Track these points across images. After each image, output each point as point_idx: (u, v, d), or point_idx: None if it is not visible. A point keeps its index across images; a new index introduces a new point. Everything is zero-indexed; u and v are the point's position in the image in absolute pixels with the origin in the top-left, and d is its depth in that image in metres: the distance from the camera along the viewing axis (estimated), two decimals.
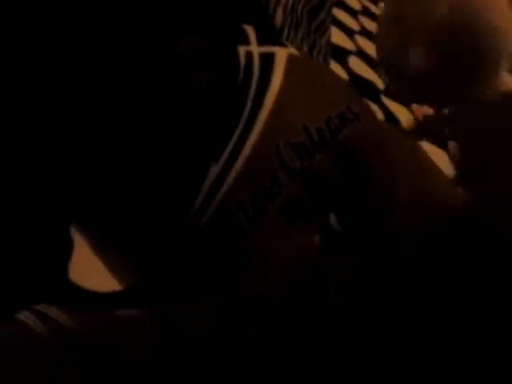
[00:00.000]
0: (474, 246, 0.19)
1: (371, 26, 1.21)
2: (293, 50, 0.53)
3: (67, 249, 0.46)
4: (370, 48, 1.12)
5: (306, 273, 0.23)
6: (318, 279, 0.23)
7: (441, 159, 0.92)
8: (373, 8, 1.30)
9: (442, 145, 0.98)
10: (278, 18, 0.65)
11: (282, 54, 0.51)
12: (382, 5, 1.36)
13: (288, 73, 0.50)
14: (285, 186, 0.47)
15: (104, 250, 0.48)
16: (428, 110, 1.04)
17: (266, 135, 0.47)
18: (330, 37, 0.79)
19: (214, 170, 0.46)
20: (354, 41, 1.11)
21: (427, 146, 0.93)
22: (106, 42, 0.48)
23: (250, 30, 0.52)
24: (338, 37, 1.06)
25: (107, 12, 0.49)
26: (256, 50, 0.51)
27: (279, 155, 0.47)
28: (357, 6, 1.25)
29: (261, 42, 0.51)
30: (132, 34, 0.49)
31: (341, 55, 1.01)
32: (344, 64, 1.01)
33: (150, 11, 0.51)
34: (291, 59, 0.51)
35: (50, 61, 0.47)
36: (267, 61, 0.50)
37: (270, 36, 0.54)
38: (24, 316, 0.39)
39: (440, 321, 0.19)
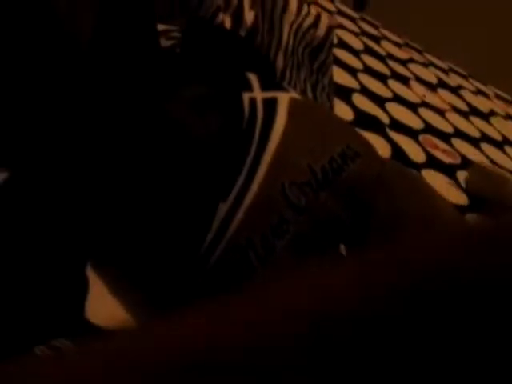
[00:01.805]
0: (489, 270, 0.19)
1: (373, 63, 1.24)
2: (294, 94, 0.56)
3: (83, 287, 0.48)
4: (373, 85, 1.15)
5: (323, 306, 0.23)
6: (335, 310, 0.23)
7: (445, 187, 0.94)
8: (376, 47, 1.33)
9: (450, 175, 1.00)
10: (280, 61, 0.68)
11: (284, 98, 0.54)
12: (384, 43, 1.39)
13: (290, 115, 0.52)
14: (292, 222, 0.49)
15: (119, 288, 0.49)
16: (436, 141, 1.06)
17: (272, 175, 0.49)
18: (332, 76, 0.81)
19: (223, 208, 0.48)
20: (358, 79, 1.13)
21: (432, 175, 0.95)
22: (112, 90, 0.50)
23: (253, 78, 0.55)
24: (341, 76, 1.09)
25: (114, 58, 0.51)
26: (259, 95, 0.53)
27: (285, 194, 0.49)
28: (359, 46, 1.28)
29: (264, 88, 0.54)
30: (138, 83, 0.51)
31: (345, 93, 1.03)
32: (349, 101, 1.03)
33: (156, 59, 0.53)
34: (293, 103, 0.54)
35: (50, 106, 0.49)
36: (270, 105, 0.53)
37: (272, 82, 0.57)
38: (39, 350, 0.41)
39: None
